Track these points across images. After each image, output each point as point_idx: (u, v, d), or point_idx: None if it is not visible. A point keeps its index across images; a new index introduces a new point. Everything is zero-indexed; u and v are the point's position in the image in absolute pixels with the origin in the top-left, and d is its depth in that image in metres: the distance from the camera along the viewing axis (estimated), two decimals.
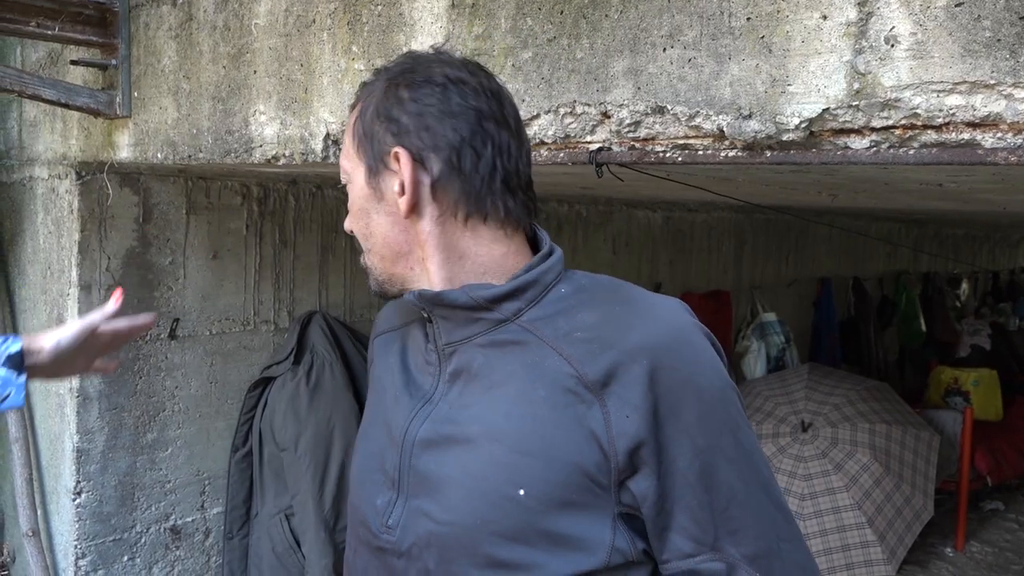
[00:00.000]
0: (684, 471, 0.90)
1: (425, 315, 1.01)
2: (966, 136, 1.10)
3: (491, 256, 0.99)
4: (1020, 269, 10.62)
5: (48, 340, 1.39)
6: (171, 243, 2.86)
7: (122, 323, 1.53)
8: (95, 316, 1.47)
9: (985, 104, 1.06)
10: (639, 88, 1.37)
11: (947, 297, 8.19)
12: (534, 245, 1.04)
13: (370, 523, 1.01)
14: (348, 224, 1.06)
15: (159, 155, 2.30)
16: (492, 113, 0.97)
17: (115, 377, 2.75)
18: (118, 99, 2.35)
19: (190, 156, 2.21)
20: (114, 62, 2.35)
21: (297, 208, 3.21)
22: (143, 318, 1.58)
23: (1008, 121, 1.05)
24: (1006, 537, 5.42)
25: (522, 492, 0.90)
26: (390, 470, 1.00)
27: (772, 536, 0.93)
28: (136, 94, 2.35)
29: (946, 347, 7.65)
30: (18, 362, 1.34)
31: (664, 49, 1.33)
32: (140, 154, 2.35)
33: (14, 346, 1.34)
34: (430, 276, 1.00)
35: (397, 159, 0.97)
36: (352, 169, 1.03)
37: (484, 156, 0.96)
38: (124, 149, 2.41)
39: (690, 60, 1.31)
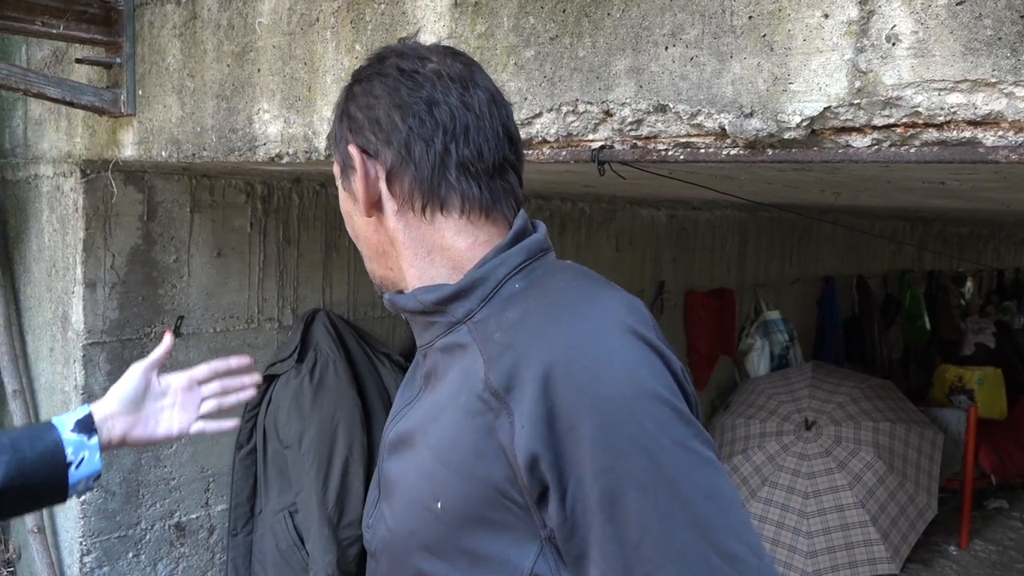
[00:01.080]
0: (586, 495, 0.78)
1: (403, 318, 1.00)
2: (967, 134, 1.10)
3: (456, 249, 0.95)
4: None
5: (108, 395, 1.38)
6: (175, 241, 2.87)
7: (200, 369, 1.46)
8: (147, 360, 1.44)
9: (986, 102, 1.06)
10: (641, 87, 1.37)
11: (952, 295, 8.17)
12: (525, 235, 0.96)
13: (368, 518, 1.03)
14: (348, 230, 1.07)
15: (163, 153, 2.30)
16: (447, 100, 0.92)
17: (120, 374, 2.75)
18: (123, 97, 2.36)
19: (194, 154, 2.22)
20: (119, 60, 2.36)
21: (301, 206, 3.22)
22: (232, 362, 1.50)
23: (1009, 119, 1.05)
24: (1010, 536, 5.41)
25: (439, 505, 0.85)
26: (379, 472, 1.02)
27: None
28: (140, 92, 2.36)
29: (950, 345, 7.64)
30: (88, 425, 1.30)
31: (666, 48, 1.34)
32: (144, 152, 2.36)
33: (82, 411, 1.32)
34: (404, 276, 0.98)
35: (348, 154, 0.97)
36: (336, 174, 1.03)
37: (434, 144, 0.92)
38: (128, 147, 2.41)
39: (692, 59, 1.31)
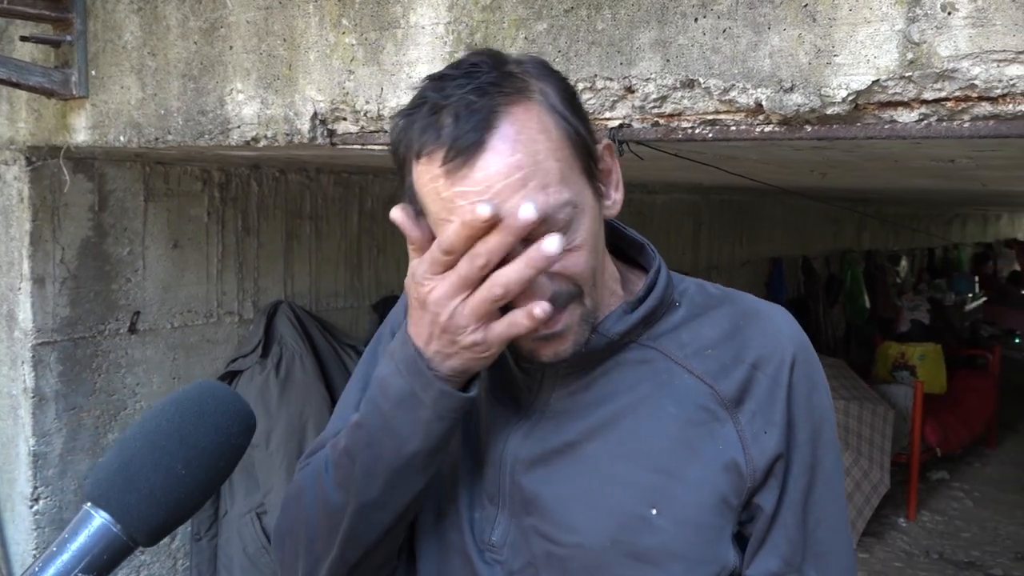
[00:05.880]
0: (793, 488, 0.88)
1: None
2: (1023, 108, 1.06)
3: (608, 263, 0.92)
4: (953, 246, 10.98)
5: None
6: (129, 232, 2.70)
7: None
8: None
9: None
10: (668, 61, 1.30)
11: (888, 274, 8.41)
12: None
13: (463, 530, 0.92)
14: (585, 264, 0.84)
15: (121, 138, 2.15)
16: None
17: (72, 375, 2.59)
18: (74, 78, 2.19)
19: (157, 139, 2.07)
20: (69, 38, 2.18)
21: (260, 194, 3.07)
22: None
23: None
24: (953, 506, 5.59)
25: (654, 511, 0.85)
26: (488, 485, 0.92)
27: (850, 566, 0.92)
28: (94, 73, 2.19)
29: (888, 323, 7.86)
30: None
31: (696, 19, 1.27)
32: (100, 137, 2.20)
33: None
34: (596, 301, 0.88)
35: (609, 152, 0.89)
36: (579, 192, 0.82)
37: None
38: (81, 132, 2.25)
39: (725, 30, 1.25)
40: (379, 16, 1.65)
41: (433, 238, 0.81)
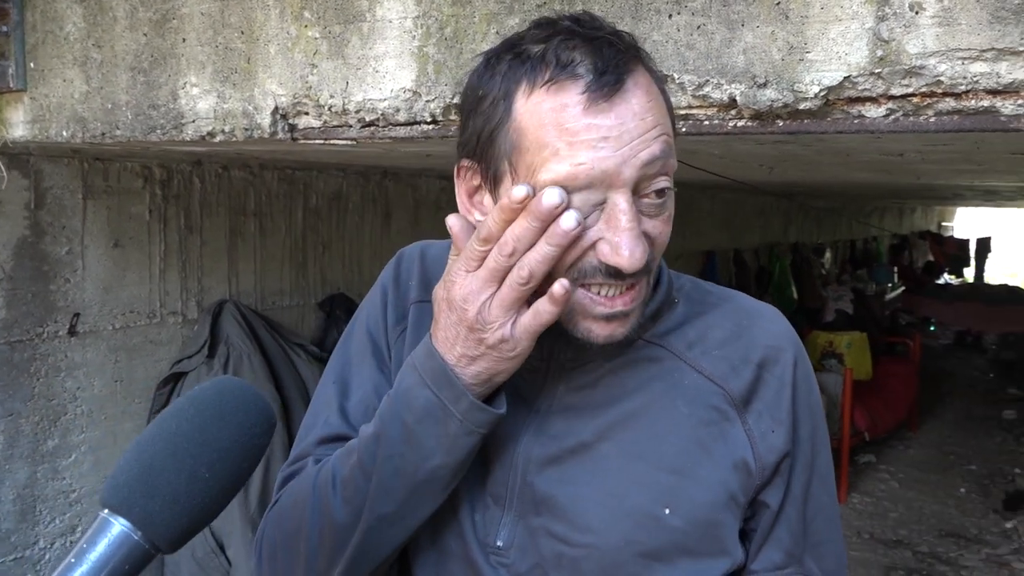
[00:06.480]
0: (795, 484, 0.90)
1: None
2: (985, 103, 1.12)
3: None
4: (873, 238, 11.41)
5: None
6: (67, 231, 2.61)
7: None
8: None
9: (1010, 71, 1.08)
10: None
11: (814, 266, 8.68)
12: None
13: (465, 534, 0.89)
14: (667, 238, 0.83)
15: (64, 133, 2.07)
16: None
17: (9, 380, 2.49)
18: (11, 71, 2.10)
19: (104, 133, 2.00)
20: (4, 29, 2.09)
21: (203, 190, 2.99)
22: None
23: None
24: (881, 487, 5.81)
25: (667, 511, 0.85)
26: (493, 486, 0.89)
27: (842, 553, 0.95)
28: (32, 65, 2.11)
29: (814, 313, 8.11)
30: None
31: (670, 16, 1.30)
32: (40, 132, 2.12)
33: None
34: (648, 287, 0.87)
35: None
36: (672, 163, 0.81)
37: None
38: (19, 127, 2.16)
39: (699, 27, 1.28)
40: (343, 9, 1.63)
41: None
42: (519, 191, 0.73)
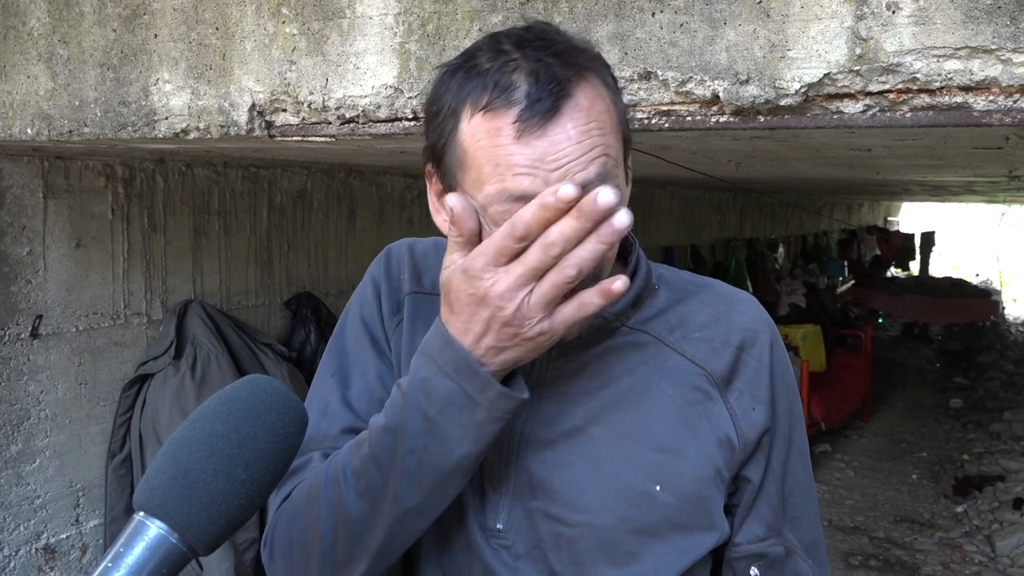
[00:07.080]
0: (775, 459, 0.96)
1: None
2: (958, 99, 1.17)
3: None
4: (823, 233, 11.66)
5: None
6: (28, 231, 2.55)
7: None
8: None
9: (982, 69, 1.13)
10: (626, 53, 1.35)
11: (768, 260, 8.84)
12: None
13: (467, 519, 0.92)
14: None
15: (29, 130, 2.03)
16: None
17: None
18: None
19: (71, 131, 1.97)
20: None
21: (166, 189, 2.95)
22: None
23: (1002, 85, 1.13)
24: (836, 476, 5.95)
25: (659, 487, 0.89)
26: (490, 471, 0.91)
27: (818, 526, 1.01)
28: None
29: (768, 307, 8.25)
30: None
31: (653, 14, 1.33)
32: (3, 130, 2.06)
33: None
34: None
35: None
36: (623, 173, 0.86)
37: None
38: None
39: (682, 25, 1.31)
40: (322, 6, 1.62)
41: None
42: (567, 190, 0.70)
